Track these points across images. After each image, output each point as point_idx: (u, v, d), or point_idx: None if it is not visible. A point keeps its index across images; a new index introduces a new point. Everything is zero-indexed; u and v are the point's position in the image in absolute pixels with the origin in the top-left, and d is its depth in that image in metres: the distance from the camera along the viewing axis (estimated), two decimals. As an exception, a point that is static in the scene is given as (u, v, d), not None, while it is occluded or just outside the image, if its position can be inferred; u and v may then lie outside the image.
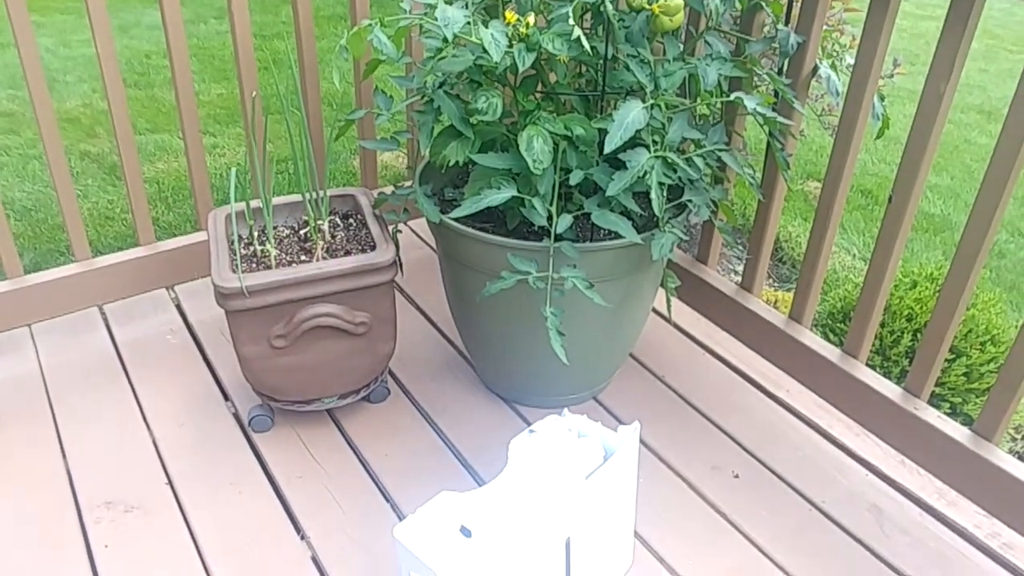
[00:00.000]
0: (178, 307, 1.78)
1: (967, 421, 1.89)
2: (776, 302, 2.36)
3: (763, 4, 1.39)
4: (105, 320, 1.72)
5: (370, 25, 1.14)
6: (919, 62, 4.62)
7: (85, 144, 3.29)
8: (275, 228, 1.45)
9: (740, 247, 2.72)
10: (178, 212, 2.83)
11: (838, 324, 2.01)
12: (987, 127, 3.97)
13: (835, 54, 1.56)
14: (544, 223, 1.20)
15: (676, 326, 1.74)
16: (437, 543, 1.00)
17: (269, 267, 1.34)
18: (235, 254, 1.33)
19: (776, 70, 1.44)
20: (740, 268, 2.78)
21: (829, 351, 1.48)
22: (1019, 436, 2.03)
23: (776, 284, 2.73)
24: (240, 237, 1.43)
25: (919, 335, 1.90)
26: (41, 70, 1.53)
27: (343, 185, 3.04)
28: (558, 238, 1.22)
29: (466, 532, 1.01)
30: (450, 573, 0.96)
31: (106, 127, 3.44)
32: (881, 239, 1.34)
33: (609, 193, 1.15)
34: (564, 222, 1.20)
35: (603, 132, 1.18)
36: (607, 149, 1.12)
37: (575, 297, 1.25)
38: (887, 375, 1.93)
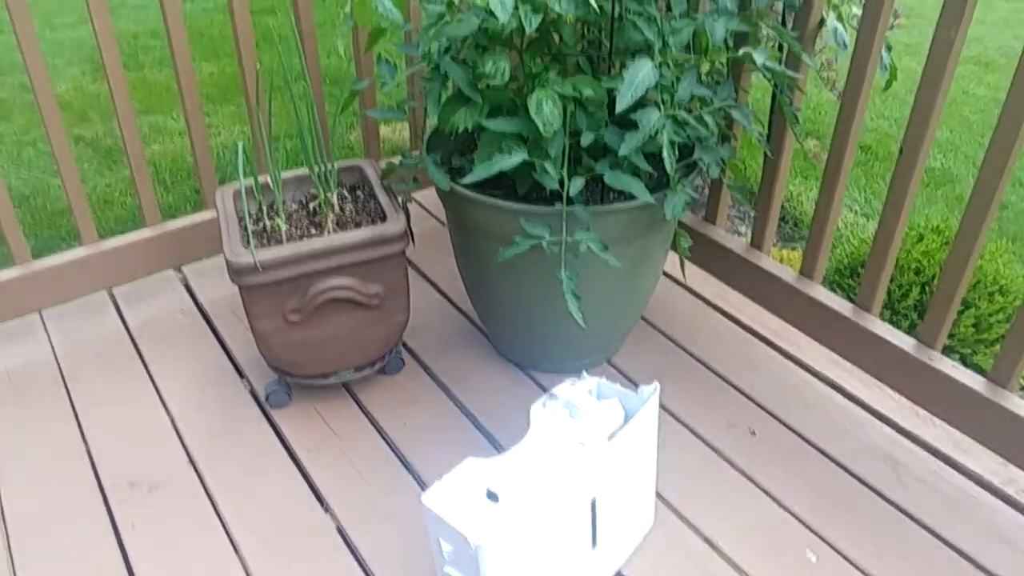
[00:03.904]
0: (187, 287, 1.78)
1: (978, 372, 1.90)
2: (781, 261, 2.36)
3: (767, -44, 1.37)
4: (115, 303, 1.72)
5: (374, -9, 1.12)
6: (914, 15, 4.57)
7: (78, 129, 3.26)
8: (283, 203, 1.45)
9: (746, 206, 2.71)
10: (177, 193, 2.82)
11: (846, 280, 2.02)
12: (985, 78, 3.94)
13: (839, 4, 1.54)
14: (556, 187, 1.20)
15: (687, 288, 1.74)
16: (465, 508, 1.01)
17: (280, 242, 1.33)
18: (246, 230, 1.33)
19: (778, 22, 1.43)
20: (743, 229, 2.78)
21: (841, 305, 1.48)
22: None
23: (780, 243, 2.72)
24: (249, 213, 1.42)
25: (927, 288, 1.90)
26: (40, 54, 1.51)
27: (338, 151, 3.02)
28: (570, 201, 1.21)
29: (493, 497, 1.02)
30: (480, 537, 0.96)
31: (98, 111, 3.41)
32: (893, 190, 1.34)
33: (621, 154, 1.14)
34: (576, 184, 1.19)
35: (612, 92, 1.18)
36: (618, 109, 1.11)
37: (587, 261, 1.25)
38: (896, 328, 1.94)
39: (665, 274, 1.76)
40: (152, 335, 1.64)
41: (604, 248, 1.19)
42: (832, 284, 2.06)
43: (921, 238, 1.98)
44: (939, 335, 1.34)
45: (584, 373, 1.20)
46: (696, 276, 1.76)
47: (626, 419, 1.13)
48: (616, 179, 1.19)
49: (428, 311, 1.71)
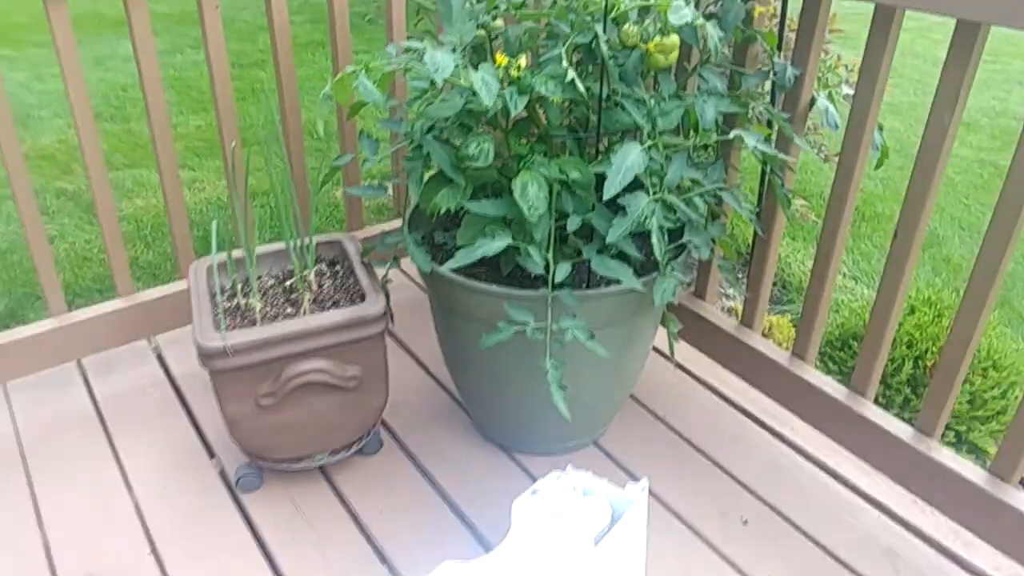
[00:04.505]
0: (159, 357, 1.71)
1: (972, 449, 1.86)
2: (770, 327, 2.32)
3: (757, 35, 1.35)
4: (83, 374, 1.65)
5: (355, 71, 1.09)
6: (895, 74, 4.63)
7: (61, 182, 3.22)
8: (259, 278, 1.40)
9: (736, 287, 2.68)
10: (158, 251, 2.76)
11: (837, 352, 1.98)
12: (966, 138, 3.97)
13: (824, 75, 1.54)
14: (541, 272, 1.16)
15: (678, 364, 1.70)
16: (441, 620, 0.94)
17: (254, 321, 1.28)
18: (220, 308, 1.27)
19: (767, 102, 1.40)
20: (731, 291, 2.74)
21: (836, 389, 1.43)
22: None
23: (768, 307, 2.69)
24: (223, 288, 1.37)
25: (920, 362, 1.87)
26: (8, 110, 1.46)
27: (326, 217, 2.99)
28: (556, 285, 1.17)
29: (471, 606, 0.95)
30: (456, 654, 0.90)
31: (82, 163, 3.36)
32: (887, 275, 1.31)
33: (609, 240, 1.11)
34: (562, 270, 1.15)
35: (600, 175, 1.14)
36: (606, 196, 1.07)
37: (573, 345, 1.20)
38: (889, 404, 1.90)
39: (654, 349, 1.71)
40: (120, 410, 1.57)
41: (590, 337, 1.15)
42: (823, 356, 2.02)
43: (913, 310, 1.95)
44: (937, 424, 1.30)
45: (569, 467, 1.14)
46: (686, 351, 1.72)
47: (613, 519, 1.07)
48: (603, 265, 1.15)
49: (409, 387, 1.65)
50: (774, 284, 2.78)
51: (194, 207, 3.11)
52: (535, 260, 1.14)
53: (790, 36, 1.93)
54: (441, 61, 1.03)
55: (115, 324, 1.67)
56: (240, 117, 4.01)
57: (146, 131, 3.68)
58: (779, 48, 1.40)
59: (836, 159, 1.36)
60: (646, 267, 1.27)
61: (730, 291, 2.74)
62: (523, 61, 1.10)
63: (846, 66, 2.60)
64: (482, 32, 1.26)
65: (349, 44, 1.76)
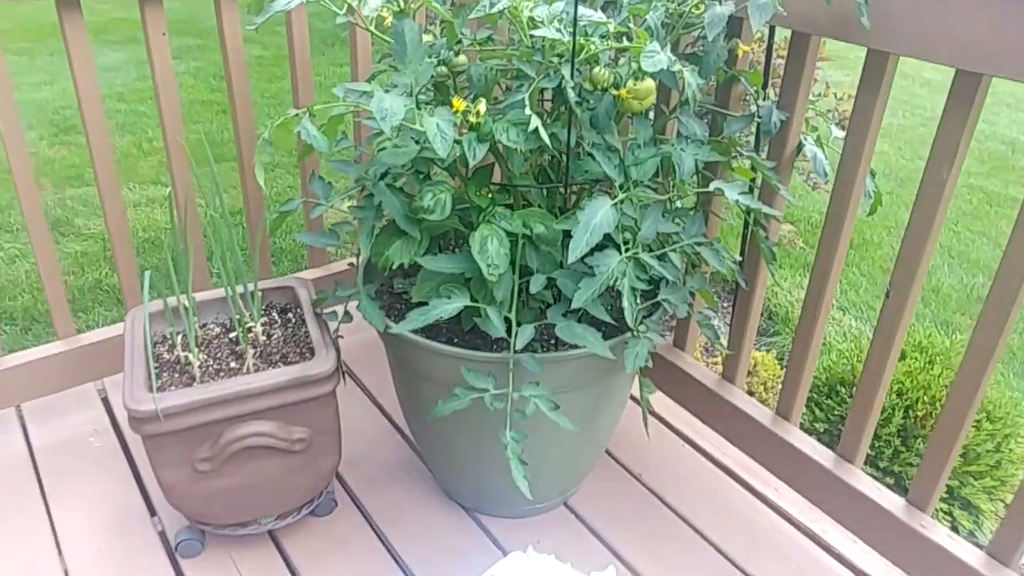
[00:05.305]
0: (104, 401, 1.61)
1: (965, 505, 1.77)
2: (755, 364, 2.23)
3: (740, 77, 1.26)
4: (21, 420, 1.55)
5: (297, 116, 0.99)
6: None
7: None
8: (204, 326, 1.30)
9: (718, 345, 2.59)
10: (123, 273, 2.66)
11: (824, 399, 1.88)
12: (960, 167, 3.90)
13: (814, 102, 1.45)
14: (502, 335, 1.06)
15: (655, 414, 1.60)
16: None
17: (193, 378, 1.18)
18: (151, 367, 1.17)
19: (752, 144, 1.31)
20: (714, 320, 2.65)
21: (822, 454, 1.34)
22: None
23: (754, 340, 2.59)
24: (163, 338, 1.27)
25: (911, 412, 1.77)
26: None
27: (295, 242, 2.89)
28: (519, 348, 1.07)
29: None
30: None
31: (52, 177, 3.27)
32: (878, 336, 1.21)
33: (575, 305, 1.01)
34: (524, 335, 1.05)
35: (567, 230, 1.05)
36: (571, 258, 0.97)
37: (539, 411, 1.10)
38: (878, 456, 1.81)
39: (632, 397, 1.62)
40: (57, 460, 1.46)
41: (554, 407, 1.05)
42: (809, 402, 1.93)
43: (904, 356, 1.86)
44: (932, 497, 1.20)
45: (531, 549, 1.04)
46: (664, 402, 1.62)
47: (575, 612, 0.98)
48: (569, 331, 1.05)
49: (368, 436, 1.55)
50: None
51: (165, 226, 3.01)
52: (495, 323, 1.04)
53: (778, 62, 1.84)
54: (390, 107, 0.93)
55: (55, 368, 1.57)
56: (218, 131, 3.91)
57: (120, 144, 3.58)
58: (765, 87, 1.31)
59: (824, 185, 1.27)
60: (618, 325, 1.18)
61: (714, 321, 2.64)
62: (482, 107, 1.00)
63: (835, 94, 2.52)
64: (443, 69, 1.17)
65: (311, 83, 1.67)
